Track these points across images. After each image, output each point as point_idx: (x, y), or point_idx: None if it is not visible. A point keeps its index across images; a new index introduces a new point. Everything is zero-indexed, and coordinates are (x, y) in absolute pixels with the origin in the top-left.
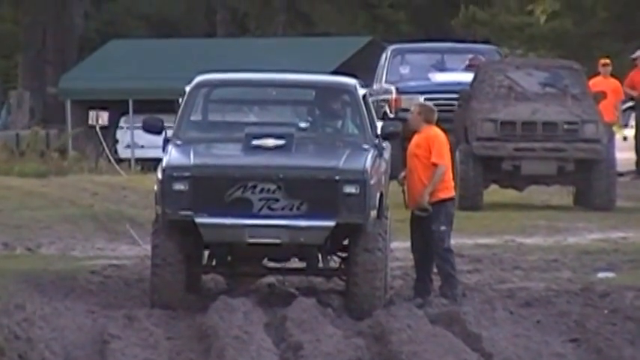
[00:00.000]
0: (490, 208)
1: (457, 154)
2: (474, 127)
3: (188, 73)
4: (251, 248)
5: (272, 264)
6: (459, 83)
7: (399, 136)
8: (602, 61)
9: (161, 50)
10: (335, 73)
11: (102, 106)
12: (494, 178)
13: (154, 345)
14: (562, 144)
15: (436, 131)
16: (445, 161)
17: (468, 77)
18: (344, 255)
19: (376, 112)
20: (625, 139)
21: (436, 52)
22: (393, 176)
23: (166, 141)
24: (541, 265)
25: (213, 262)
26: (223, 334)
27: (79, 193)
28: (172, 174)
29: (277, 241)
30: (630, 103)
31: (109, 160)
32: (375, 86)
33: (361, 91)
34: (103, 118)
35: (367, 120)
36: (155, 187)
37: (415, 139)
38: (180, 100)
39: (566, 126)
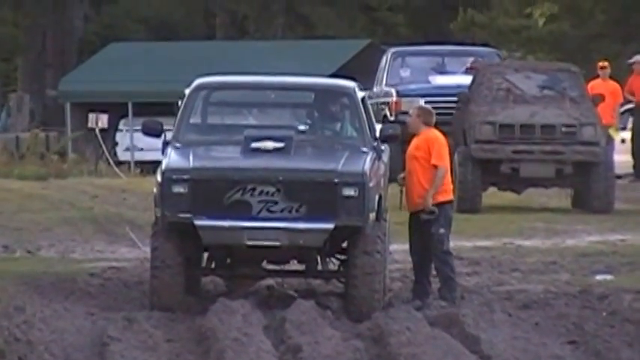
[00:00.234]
0: (489, 211)
1: (456, 156)
2: (473, 129)
3: (187, 75)
4: (250, 251)
5: (271, 266)
6: (460, 86)
7: (398, 138)
8: (601, 63)
9: (160, 53)
10: (334, 75)
11: (101, 108)
12: (492, 181)
13: (154, 347)
14: (560, 146)
15: (435, 133)
16: (445, 163)
17: (468, 80)
18: (343, 257)
19: (376, 115)
20: (623, 141)
21: (436, 55)
22: (392, 179)
23: (166, 144)
24: (539, 267)
25: (213, 265)
26: (222, 336)
27: (78, 195)
28: (172, 176)
29: (276, 243)
30: (629, 105)
31: (109, 163)
32: (376, 89)
33: (360, 94)
34: (103, 120)
35: (366, 123)
36: (154, 190)
37: (414, 141)
38: (179, 102)
39: (564, 129)
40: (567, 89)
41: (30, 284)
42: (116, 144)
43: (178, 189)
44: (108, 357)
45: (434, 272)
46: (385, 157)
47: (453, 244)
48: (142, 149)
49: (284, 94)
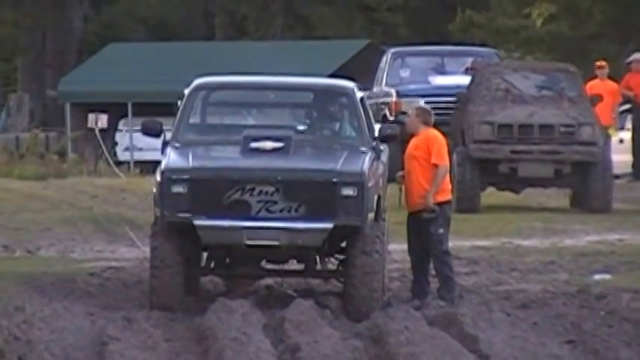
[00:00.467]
0: (487, 211)
1: (454, 156)
2: (471, 129)
3: (187, 76)
4: (249, 250)
5: (270, 266)
6: (459, 86)
7: (397, 138)
8: (598, 63)
9: (160, 53)
10: (333, 76)
11: (101, 109)
12: (491, 181)
13: (153, 346)
14: (559, 146)
15: (435, 133)
16: (446, 161)
17: (468, 80)
18: (342, 257)
19: (376, 115)
20: (621, 141)
21: (436, 56)
22: (391, 179)
23: (165, 144)
24: (538, 267)
25: (212, 264)
26: (222, 335)
27: (78, 195)
28: (171, 176)
29: (275, 243)
30: (627, 106)
31: (108, 163)
32: (375, 89)
33: (359, 94)
34: (102, 120)
35: (365, 123)
36: (154, 190)
37: (414, 141)
38: (178, 103)
39: (562, 129)
40: (566, 89)
41: (30, 284)
42: (116, 144)
43: (178, 189)
44: (107, 356)
45: (433, 272)
46: (384, 157)
47: (451, 243)
48: (141, 149)
49: (283, 95)
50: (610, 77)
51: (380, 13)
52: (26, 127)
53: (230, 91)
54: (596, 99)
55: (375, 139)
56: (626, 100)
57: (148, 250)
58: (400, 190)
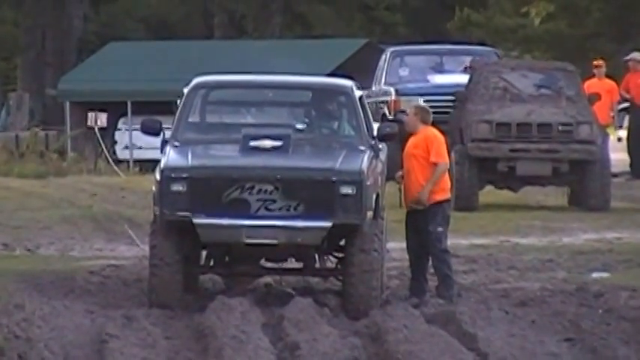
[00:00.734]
0: (485, 209)
1: (453, 155)
2: (470, 128)
3: (186, 75)
4: (248, 248)
5: (269, 264)
6: (458, 85)
7: (396, 137)
8: (596, 62)
9: (159, 52)
10: (332, 74)
11: (101, 107)
12: (489, 179)
13: (152, 344)
14: (557, 145)
15: (433, 131)
16: (445, 159)
17: (466, 79)
18: (340, 255)
19: (375, 114)
20: (619, 140)
21: (435, 55)
22: (389, 177)
23: (164, 142)
24: (536, 265)
25: (211, 263)
26: (221, 333)
27: (77, 193)
28: (170, 175)
29: (274, 241)
30: (625, 105)
31: (108, 162)
32: (374, 88)
33: (357, 93)
34: (102, 119)
35: (363, 121)
36: (153, 188)
37: (412, 139)
38: (178, 101)
39: (560, 127)
40: (564, 88)
41: (29, 282)
42: (115, 142)
43: (177, 187)
44: (107, 354)
45: (431, 270)
46: (383, 156)
47: (450, 242)
48: (140, 148)
49: (282, 93)
50: (608, 76)
51: (379, 12)
52: (26, 125)
53: (229, 90)
54: (594, 98)
55: (373, 137)
56: (625, 99)
57: (147, 248)
58: (400, 189)
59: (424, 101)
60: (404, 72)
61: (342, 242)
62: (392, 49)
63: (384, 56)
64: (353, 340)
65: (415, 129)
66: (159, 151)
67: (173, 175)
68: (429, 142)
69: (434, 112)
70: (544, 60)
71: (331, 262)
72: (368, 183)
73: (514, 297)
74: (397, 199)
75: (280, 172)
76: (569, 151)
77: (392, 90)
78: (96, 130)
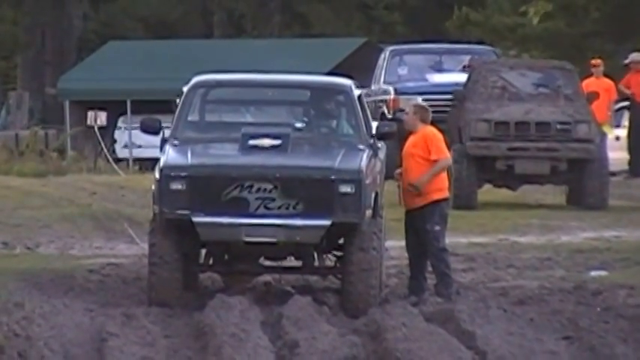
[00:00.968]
0: (484, 208)
1: (451, 154)
2: (468, 127)
3: (185, 74)
4: (248, 247)
5: (268, 262)
6: (457, 84)
7: (394, 136)
8: (593, 61)
9: (159, 51)
10: (330, 74)
11: (100, 106)
12: (488, 178)
13: (152, 343)
14: (555, 144)
15: (432, 130)
16: (446, 155)
17: (465, 78)
18: (339, 254)
19: (374, 113)
20: (617, 138)
21: (434, 53)
22: (388, 176)
23: (164, 141)
24: (534, 263)
25: (211, 261)
26: (220, 331)
27: (77, 192)
28: (170, 173)
29: (273, 240)
30: (624, 104)
31: (108, 160)
32: (373, 87)
33: (356, 92)
34: (102, 118)
35: (362, 120)
36: (153, 187)
37: (411, 138)
38: (177, 100)
39: (559, 126)
40: (562, 87)
41: (29, 280)
42: (115, 141)
43: (176, 186)
44: (106, 352)
45: (430, 268)
46: (381, 155)
47: (448, 240)
48: (140, 146)
49: (281, 92)
50: (606, 75)
51: (377, 11)
52: (26, 124)
53: (228, 89)
54: (593, 96)
55: (372, 136)
56: (623, 98)
57: (146, 246)
58: (399, 187)
59: (423, 100)
60: (403, 71)
61: (341, 241)
62: (391, 48)
63: (383, 55)
64: (352, 338)
65: (414, 128)
66: (158, 149)
67: (172, 174)
68: (429, 141)
69: (433, 111)
70: (542, 59)
71: (330, 260)
72: (367, 182)
73: (512, 295)
74: (396, 198)
75: (279, 170)
76: (568, 149)
77: (391, 89)
78: (95, 128)
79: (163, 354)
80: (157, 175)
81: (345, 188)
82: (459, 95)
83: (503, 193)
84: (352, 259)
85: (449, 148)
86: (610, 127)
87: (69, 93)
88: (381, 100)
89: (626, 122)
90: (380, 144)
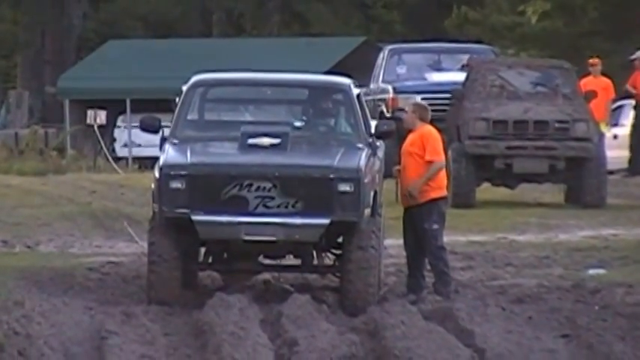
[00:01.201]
0: (482, 206)
1: (450, 152)
2: (467, 125)
3: (185, 72)
4: (247, 245)
5: (267, 261)
6: (455, 83)
7: (393, 135)
8: (591, 60)
9: (158, 50)
10: (329, 72)
11: (100, 105)
12: (486, 176)
13: (151, 341)
14: (553, 142)
15: (430, 129)
16: (440, 158)
17: (463, 77)
18: (338, 252)
19: (373, 112)
20: (615, 137)
21: (433, 52)
22: (387, 174)
23: (163, 140)
24: (533, 261)
25: (210, 259)
26: (219, 330)
27: (77, 191)
28: (169, 172)
29: (273, 238)
30: (622, 102)
31: (107, 159)
32: (372, 86)
33: (355, 91)
34: (101, 117)
35: (361, 119)
36: (152, 185)
37: (410, 137)
38: (177, 99)
39: (557, 125)
40: (560, 86)
41: (29, 279)
42: (114, 140)
43: (176, 184)
44: (106, 351)
45: (428, 267)
46: (380, 153)
47: (447, 238)
48: (139, 145)
49: (280, 91)
50: (603, 74)
51: (376, 11)
52: (25, 123)
53: (228, 88)
54: (591, 95)
55: (371, 135)
56: (622, 97)
57: (146, 245)
58: (397, 184)
59: (422, 99)
60: (401, 70)
61: (340, 239)
62: (390, 47)
63: (381, 54)
64: (351, 336)
65: (413, 126)
66: (158, 148)
67: (172, 173)
68: (425, 140)
69: (431, 110)
70: (540, 58)
71: (329, 259)
72: (366, 180)
73: (511, 293)
74: (394, 197)
75: (278, 169)
76: (566, 148)
77: (390, 88)
78: (95, 127)
79: (163, 352)
80: (157, 174)
81: (344, 187)
82: (457, 94)
83: (502, 192)
84: (351, 258)
85: (447, 146)
86: (608, 125)
87: (69, 92)
88: (380, 99)
89: (624, 121)
90: (378, 143)
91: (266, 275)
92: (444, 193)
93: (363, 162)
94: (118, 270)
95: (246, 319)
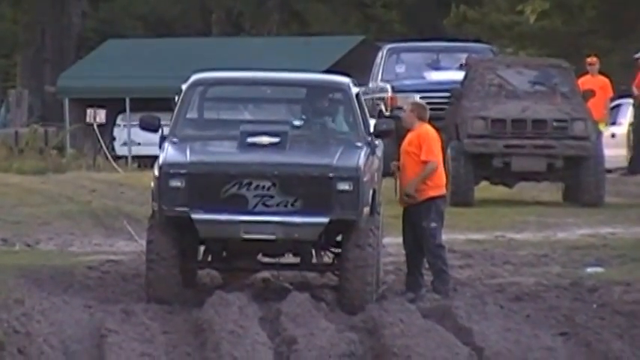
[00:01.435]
0: (481, 205)
1: (448, 151)
2: (465, 124)
3: (184, 71)
4: (246, 244)
5: (267, 259)
6: (454, 82)
7: (392, 133)
8: (589, 59)
9: (157, 49)
10: (328, 71)
11: (99, 104)
12: (485, 175)
13: (151, 339)
14: (551, 141)
15: (427, 129)
16: (435, 158)
17: (462, 76)
18: (337, 250)
19: (372, 111)
20: (613, 136)
21: (431, 51)
22: (386, 173)
23: (163, 138)
24: (531, 260)
25: (209, 258)
26: (219, 328)
27: (77, 189)
28: (169, 171)
29: (272, 237)
30: (618, 102)
31: (107, 158)
32: (371, 84)
33: (354, 90)
34: (101, 116)
35: (360, 118)
36: (152, 184)
37: (408, 136)
38: (176, 98)
39: (555, 123)
40: (558, 85)
41: (29, 277)
42: (114, 139)
43: (175, 183)
44: (106, 348)
45: (427, 265)
46: (379, 152)
47: (445, 237)
48: (139, 144)
49: (279, 90)
50: (602, 72)
51: (375, 10)
52: (25, 122)
53: (227, 87)
54: (589, 94)
55: (370, 134)
56: (620, 95)
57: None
58: (396, 179)
59: (420, 98)
60: (400, 69)
61: (339, 238)
62: (388, 46)
63: (380, 53)
64: (350, 334)
65: (411, 125)
66: (157, 147)
67: (171, 171)
68: (422, 140)
69: (430, 109)
70: (539, 57)
71: (328, 257)
72: (365, 179)
73: (509, 292)
74: (393, 195)
75: (277, 168)
76: (564, 147)
77: (388, 87)
78: (95, 126)
79: (162, 350)
80: (156, 173)
81: (343, 186)
82: (456, 93)
83: (500, 190)
84: (348, 256)
85: (446, 145)
86: (606, 124)
87: (68, 91)
88: (379, 98)
89: (622, 119)
90: (377, 141)
91: (265, 273)
92: (442, 191)
93: (362, 161)
94: (118, 268)
95: (245, 317)
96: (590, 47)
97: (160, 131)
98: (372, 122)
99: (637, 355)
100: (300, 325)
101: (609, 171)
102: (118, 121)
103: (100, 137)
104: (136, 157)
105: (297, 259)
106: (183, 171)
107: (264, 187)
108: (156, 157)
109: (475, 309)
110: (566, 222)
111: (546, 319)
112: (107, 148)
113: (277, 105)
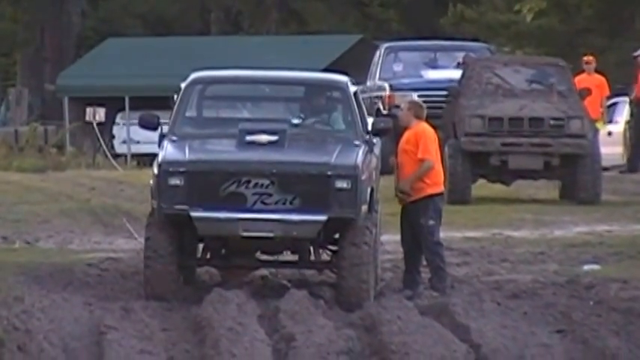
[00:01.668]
0: (478, 202)
1: (446, 149)
2: (463, 122)
3: (183, 70)
4: (245, 241)
5: (265, 257)
6: (451, 80)
7: (390, 132)
8: (586, 58)
9: (157, 48)
10: (326, 70)
11: (99, 102)
12: (482, 173)
13: (150, 336)
14: (548, 139)
15: (424, 127)
16: (432, 157)
17: (460, 75)
18: (335, 248)
19: (370, 109)
20: (610, 134)
21: (429, 50)
22: (384, 171)
23: (162, 137)
24: (528, 257)
25: (208, 255)
26: (217, 325)
27: (76, 187)
28: (168, 169)
29: (270, 234)
30: (615, 100)
31: (106, 156)
32: (369, 83)
33: (352, 88)
34: (100, 114)
35: (358, 116)
36: (151, 182)
37: (405, 134)
38: (175, 96)
39: (552, 122)
40: (555, 83)
41: (29, 275)
42: (113, 137)
43: (174, 181)
44: (105, 346)
45: (424, 262)
46: (377, 150)
47: (443, 234)
48: (138, 142)
49: (278, 89)
50: (597, 71)
51: (372, 9)
52: (25, 120)
53: (226, 85)
54: (585, 92)
55: (368, 132)
56: (616, 94)
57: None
58: (396, 175)
59: (418, 96)
60: (398, 67)
61: (337, 235)
62: (386, 44)
63: (378, 52)
64: (348, 331)
65: (409, 124)
66: (156, 145)
67: (171, 169)
68: (419, 138)
69: (427, 107)
70: (536, 55)
71: (326, 255)
72: (363, 177)
73: (506, 289)
74: (392, 194)
75: (276, 166)
76: (561, 145)
77: (386, 85)
78: (94, 124)
79: (161, 347)
80: (156, 171)
81: (342, 184)
82: (453, 91)
83: (497, 188)
84: (344, 254)
85: (443, 143)
86: (603, 122)
87: (68, 89)
88: (377, 97)
89: (619, 118)
90: (375, 140)
91: (264, 271)
92: (440, 189)
93: (360, 159)
94: (117, 266)
95: (244, 314)
96: (587, 46)
97: (159, 129)
98: (369, 120)
99: (633, 351)
100: (298, 323)
101: (606, 169)
102: (118, 119)
103: (99, 135)
104: (135, 155)
105: (295, 257)
106: (182, 169)
107: (262, 185)
108: (155, 156)
109: (472, 306)
110: (563, 220)
111: (543, 317)
112: (106, 147)
113: (276, 103)
